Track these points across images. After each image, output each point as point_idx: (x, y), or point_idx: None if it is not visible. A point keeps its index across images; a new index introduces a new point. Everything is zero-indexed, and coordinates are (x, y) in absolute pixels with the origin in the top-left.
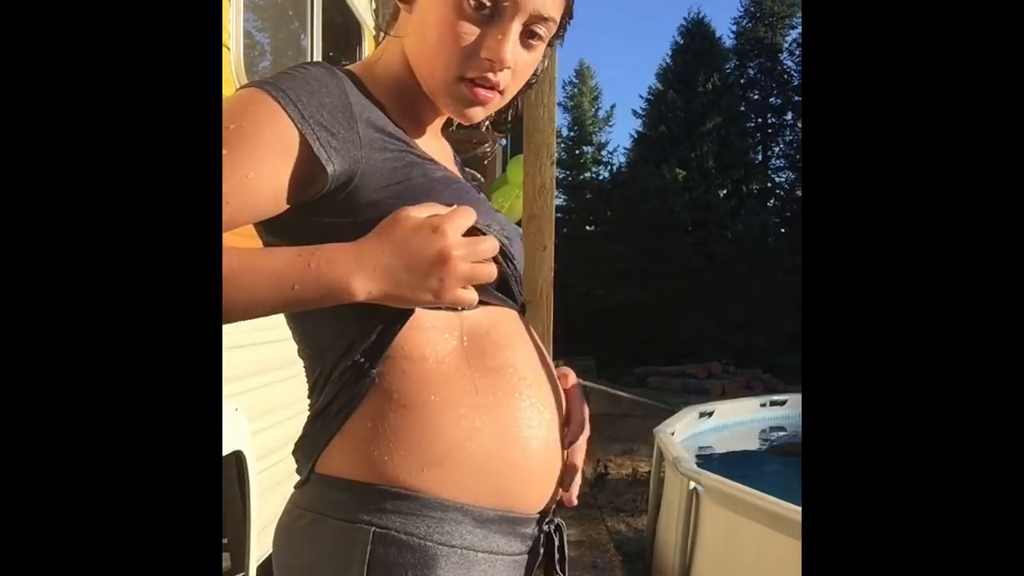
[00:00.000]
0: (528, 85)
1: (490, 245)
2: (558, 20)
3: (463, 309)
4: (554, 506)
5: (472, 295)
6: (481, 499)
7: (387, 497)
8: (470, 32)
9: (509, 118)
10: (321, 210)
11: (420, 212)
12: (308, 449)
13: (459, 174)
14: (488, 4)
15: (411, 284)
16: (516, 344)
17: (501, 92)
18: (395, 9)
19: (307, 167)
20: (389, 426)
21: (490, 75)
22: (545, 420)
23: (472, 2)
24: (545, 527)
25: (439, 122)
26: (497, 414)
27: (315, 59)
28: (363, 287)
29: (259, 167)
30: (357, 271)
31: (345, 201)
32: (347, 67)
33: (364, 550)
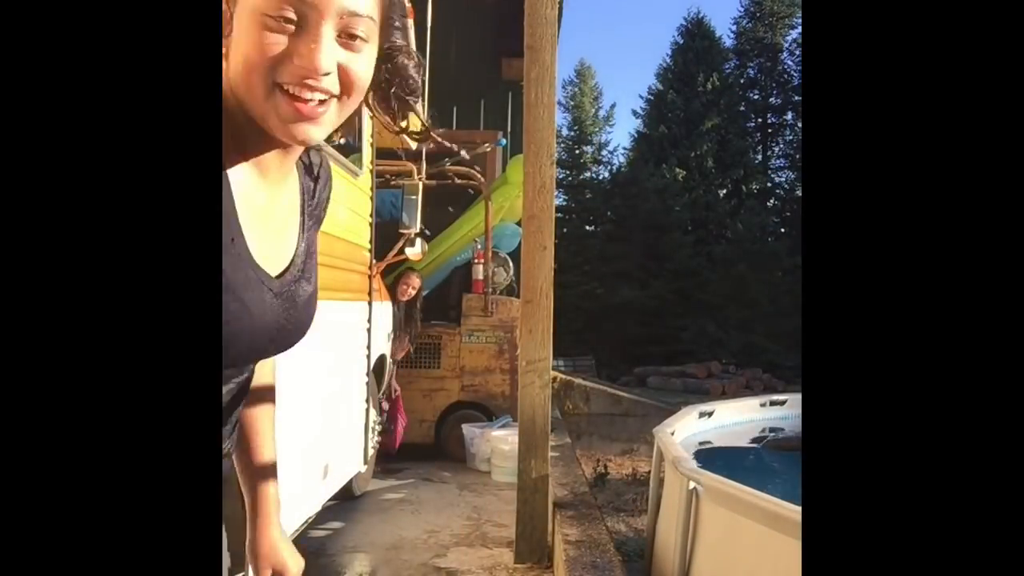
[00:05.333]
0: (395, 92)
1: None
2: (377, 17)
3: None
4: None
5: None
6: None
7: None
8: (278, 42)
9: (407, 124)
10: None
11: None
12: None
13: (299, 215)
14: (291, 15)
15: None
16: None
17: (336, 98)
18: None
19: None
20: None
21: (310, 81)
22: None
23: (274, 15)
24: None
25: (280, 158)
26: None
27: None
28: None
29: None
30: None
31: None
32: None
33: None
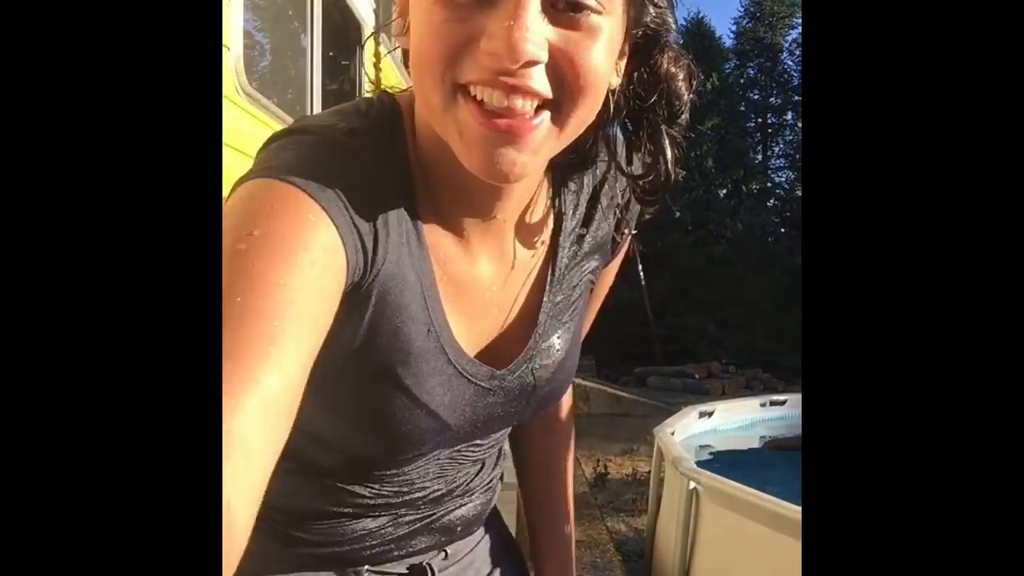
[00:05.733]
0: (634, 93)
1: None
2: None
3: None
4: None
5: None
6: None
7: None
8: (462, 21)
9: (647, 155)
10: None
11: None
12: None
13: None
14: None
15: None
16: None
17: (549, 107)
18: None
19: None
20: None
21: (505, 78)
22: None
23: None
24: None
25: (492, 202)
26: None
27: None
28: None
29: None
30: None
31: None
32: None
33: None
